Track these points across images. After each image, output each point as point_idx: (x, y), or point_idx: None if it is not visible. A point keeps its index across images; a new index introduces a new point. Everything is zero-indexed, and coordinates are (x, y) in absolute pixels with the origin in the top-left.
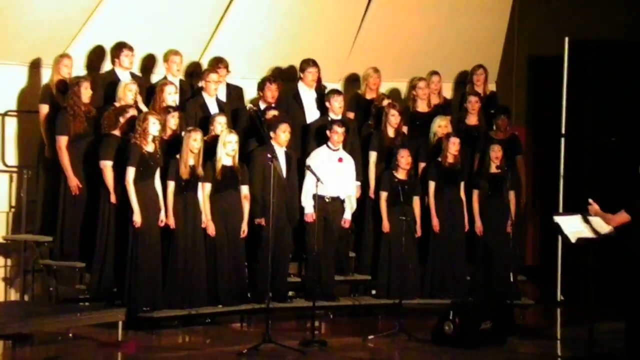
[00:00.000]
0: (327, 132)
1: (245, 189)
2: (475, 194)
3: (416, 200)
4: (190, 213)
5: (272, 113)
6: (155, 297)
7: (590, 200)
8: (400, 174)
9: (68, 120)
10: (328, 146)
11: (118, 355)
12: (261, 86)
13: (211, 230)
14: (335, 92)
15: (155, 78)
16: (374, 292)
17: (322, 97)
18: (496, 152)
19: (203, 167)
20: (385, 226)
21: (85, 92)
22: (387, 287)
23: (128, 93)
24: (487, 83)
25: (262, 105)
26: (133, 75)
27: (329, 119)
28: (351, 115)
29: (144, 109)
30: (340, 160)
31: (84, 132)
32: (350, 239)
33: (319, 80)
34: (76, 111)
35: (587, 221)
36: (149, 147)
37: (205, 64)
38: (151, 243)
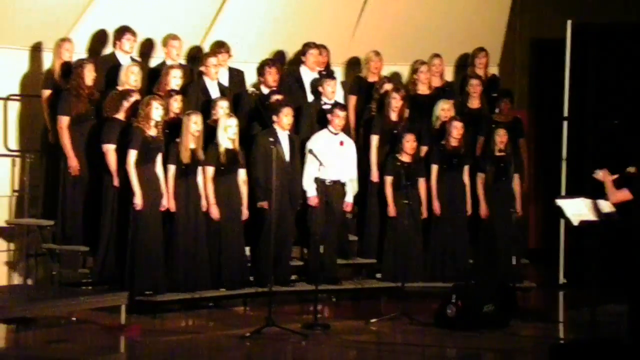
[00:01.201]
0: (329, 115)
1: (243, 173)
2: (480, 177)
3: (421, 183)
4: (192, 197)
5: (276, 97)
6: (158, 281)
7: (599, 171)
8: (405, 158)
9: (70, 100)
10: (329, 130)
11: (121, 339)
12: (261, 71)
13: (215, 214)
14: (328, 76)
15: (154, 62)
16: (379, 275)
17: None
18: (501, 136)
19: (204, 151)
20: (391, 211)
21: (89, 74)
22: (392, 271)
23: (131, 75)
24: (489, 66)
25: (264, 89)
26: (133, 60)
27: (322, 102)
28: (353, 98)
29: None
30: (341, 143)
31: (86, 112)
32: (352, 223)
33: (327, 63)
34: (79, 92)
35: (594, 203)
36: (152, 132)
37: (206, 48)
38: (152, 226)
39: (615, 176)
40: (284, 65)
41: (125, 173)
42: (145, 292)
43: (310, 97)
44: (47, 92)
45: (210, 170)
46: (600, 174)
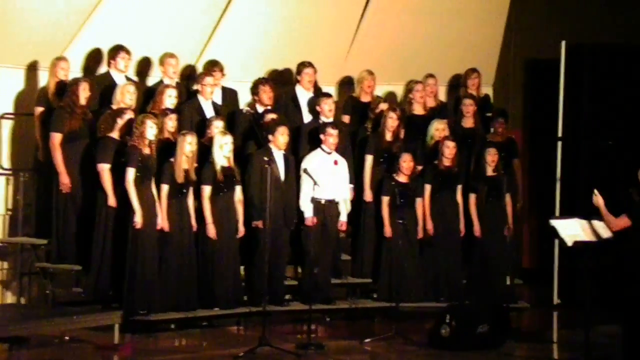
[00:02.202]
0: (321, 135)
1: (239, 191)
2: (473, 197)
3: (419, 202)
4: (184, 216)
5: (271, 116)
6: (152, 300)
7: (596, 191)
8: (402, 178)
9: (64, 117)
10: (322, 149)
11: (114, 358)
12: (255, 89)
13: (212, 233)
14: (325, 95)
15: (151, 81)
16: (375, 295)
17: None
18: (492, 156)
19: (198, 170)
20: (387, 231)
21: (83, 93)
22: (388, 291)
23: (126, 94)
24: (481, 86)
25: (259, 108)
26: (128, 79)
27: (321, 121)
28: (346, 118)
29: None
30: (335, 163)
31: (79, 130)
32: (345, 242)
33: (315, 83)
34: (73, 110)
35: (590, 224)
36: (146, 150)
37: (200, 68)
38: (149, 245)
39: (600, 200)
40: (279, 85)
41: (120, 192)
42: (139, 312)
43: (306, 117)
44: (39, 109)
45: (207, 189)
46: (599, 201)
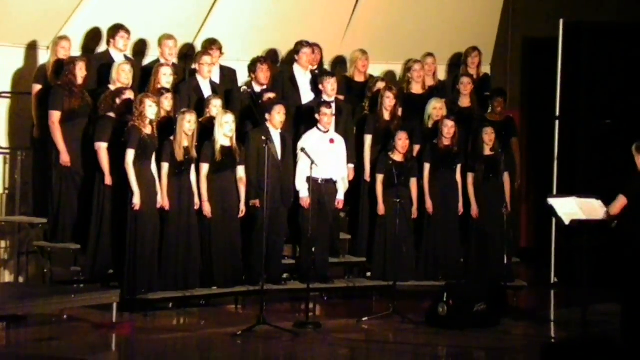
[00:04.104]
0: (316, 115)
1: (241, 170)
2: (470, 177)
3: (413, 182)
4: (184, 194)
5: (268, 95)
6: (152, 279)
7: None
8: (397, 157)
9: (62, 96)
10: (318, 128)
11: (112, 336)
12: (252, 68)
13: (207, 211)
14: (328, 74)
15: (148, 61)
16: (369, 274)
17: (316, 79)
18: (489, 135)
19: (199, 148)
20: (381, 209)
21: (80, 73)
22: (382, 270)
23: (122, 73)
24: (481, 65)
25: (256, 87)
26: (127, 58)
27: (322, 100)
28: (340, 98)
29: None
30: (332, 141)
31: (78, 108)
32: (344, 221)
33: (320, 62)
34: (72, 89)
35: (587, 203)
36: (147, 130)
37: (199, 46)
38: (150, 225)
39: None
40: (277, 64)
41: (120, 171)
42: (140, 291)
43: (304, 96)
44: (37, 87)
45: (205, 167)
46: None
